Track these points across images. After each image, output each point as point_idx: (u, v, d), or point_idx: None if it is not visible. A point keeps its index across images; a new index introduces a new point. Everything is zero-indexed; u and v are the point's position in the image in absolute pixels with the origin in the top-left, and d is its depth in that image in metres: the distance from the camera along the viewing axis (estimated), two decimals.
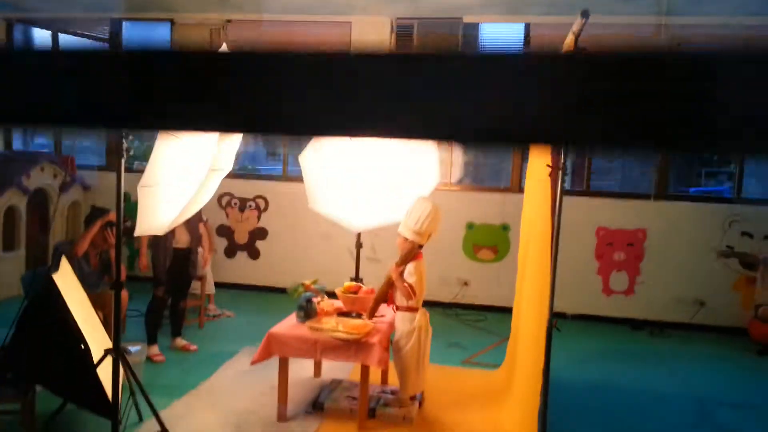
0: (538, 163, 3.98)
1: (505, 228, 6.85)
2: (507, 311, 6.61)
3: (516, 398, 3.80)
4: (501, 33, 7.66)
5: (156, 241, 4.58)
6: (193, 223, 4.84)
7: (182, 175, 2.86)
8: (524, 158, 6.85)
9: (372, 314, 3.86)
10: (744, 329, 6.25)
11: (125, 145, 2.84)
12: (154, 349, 4.70)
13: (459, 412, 3.95)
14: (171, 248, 4.66)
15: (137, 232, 3.06)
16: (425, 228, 3.71)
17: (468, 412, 3.95)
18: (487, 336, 5.86)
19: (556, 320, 2.70)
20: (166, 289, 4.72)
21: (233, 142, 2.86)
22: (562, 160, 2.63)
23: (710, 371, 5.18)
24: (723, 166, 10.16)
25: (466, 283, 6.91)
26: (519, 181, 6.90)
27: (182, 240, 4.78)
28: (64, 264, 3.34)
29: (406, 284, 3.70)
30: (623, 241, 6.63)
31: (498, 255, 6.89)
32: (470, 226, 6.90)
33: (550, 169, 2.74)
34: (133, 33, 7.75)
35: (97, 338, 3.35)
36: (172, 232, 4.66)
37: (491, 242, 6.87)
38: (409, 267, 3.74)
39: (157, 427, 3.01)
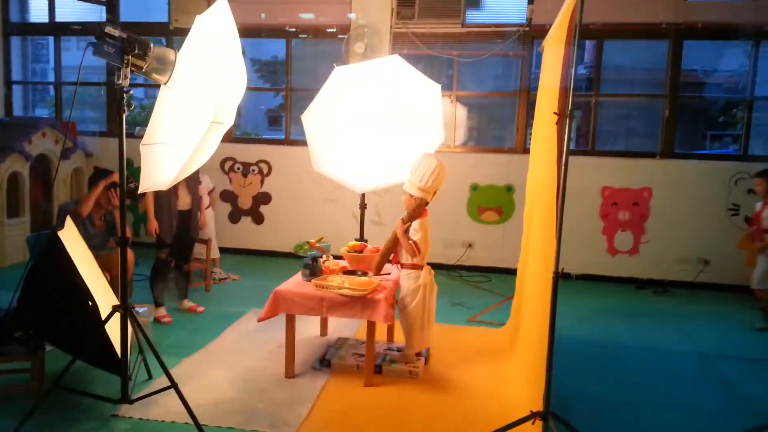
0: (543, 119, 3.93)
1: (509, 189, 6.82)
2: (511, 272, 6.61)
3: (522, 355, 3.82)
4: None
5: (160, 203, 4.56)
6: (193, 184, 4.84)
7: (183, 128, 2.82)
8: (529, 118, 6.79)
9: (378, 270, 3.86)
10: (747, 287, 6.25)
11: (125, 99, 2.80)
12: (161, 311, 4.73)
13: (465, 368, 3.98)
14: (176, 210, 4.65)
15: (141, 189, 3.03)
16: (431, 184, 3.69)
17: (473, 369, 3.98)
18: (491, 296, 5.89)
19: (563, 269, 2.68)
20: (170, 252, 4.73)
21: (236, 94, 2.81)
22: (569, 107, 2.58)
23: (714, 328, 5.20)
24: (728, 128, 10.04)
25: (470, 245, 6.92)
26: (524, 142, 6.84)
27: (184, 201, 4.77)
28: (69, 223, 3.33)
29: (411, 241, 3.70)
30: (628, 201, 6.61)
31: (502, 216, 6.87)
32: (474, 188, 6.87)
33: (557, 117, 2.69)
34: None
35: (104, 297, 3.37)
36: (176, 194, 4.65)
37: (496, 203, 6.85)
38: (414, 224, 3.72)
39: (167, 384, 3.03)
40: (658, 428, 3.28)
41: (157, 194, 4.54)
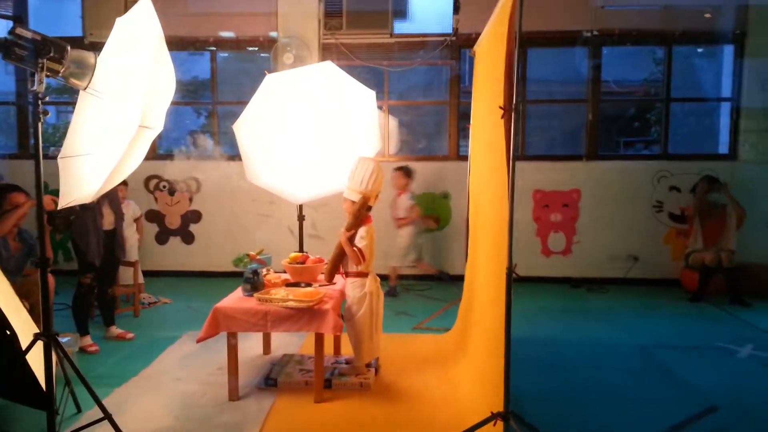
0: (483, 121, 3.95)
1: (445, 196, 6.85)
2: (452, 278, 6.67)
3: (474, 357, 3.77)
4: (429, 4, 7.63)
5: (85, 224, 4.24)
6: (116, 201, 4.55)
7: (108, 135, 2.61)
8: (460, 125, 6.86)
9: (331, 278, 3.73)
10: (675, 280, 6.54)
11: (41, 107, 2.56)
12: (87, 340, 4.38)
13: (415, 375, 3.90)
14: (102, 230, 4.35)
15: (61, 204, 2.78)
16: (371, 187, 3.60)
17: (424, 375, 3.90)
18: (434, 303, 5.85)
19: (516, 264, 2.66)
20: (94, 276, 4.39)
21: (164, 96, 2.63)
22: (514, 101, 2.57)
23: (648, 320, 5.37)
24: (640, 134, 10.57)
25: None
26: (457, 149, 6.90)
27: (108, 221, 4.47)
28: None
29: (355, 248, 3.59)
30: (559, 203, 6.78)
31: (440, 224, 6.87)
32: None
33: (502, 111, 2.68)
34: (41, 9, 7.16)
35: (23, 326, 3.05)
36: (100, 213, 4.35)
37: (433, 211, 6.85)
38: (361, 231, 3.62)
39: (99, 416, 2.77)
40: (609, 420, 3.31)
41: (83, 214, 4.23)
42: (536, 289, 6.43)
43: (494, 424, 2.73)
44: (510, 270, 2.65)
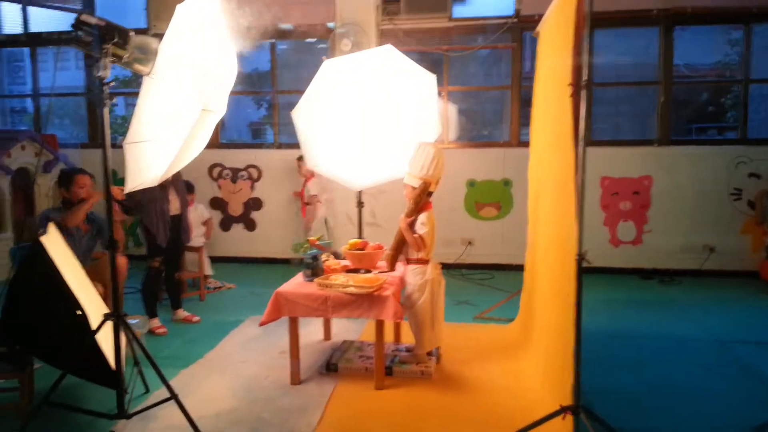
0: (546, 104, 3.79)
1: (506, 183, 6.68)
2: (513, 268, 6.49)
3: (538, 349, 3.65)
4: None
5: (152, 209, 4.36)
6: (181, 187, 4.65)
7: (172, 119, 2.64)
8: (522, 110, 6.67)
9: (392, 264, 3.67)
10: (755, 272, 6.16)
11: (106, 92, 2.61)
12: (155, 322, 4.51)
13: (478, 366, 3.80)
14: (169, 215, 4.46)
15: (128, 189, 2.84)
16: (431, 173, 3.51)
17: (487, 366, 3.80)
18: (495, 293, 5.72)
19: (587, 250, 2.52)
20: (162, 260, 4.52)
21: (226, 81, 2.63)
22: (585, 77, 2.42)
23: (725, 314, 5.07)
24: (714, 120, 9.99)
25: (470, 243, 6.76)
26: (518, 135, 6.71)
27: (174, 206, 4.57)
28: (53, 229, 3.12)
29: (416, 235, 3.51)
30: (629, 190, 6.49)
31: (501, 212, 6.72)
32: (471, 184, 6.72)
33: (571, 90, 2.54)
34: (107, 2, 7.40)
35: (94, 307, 3.15)
36: (167, 199, 4.46)
37: (494, 199, 6.70)
38: (421, 217, 3.54)
39: (166, 396, 2.82)
40: (685, 417, 3.12)
41: (150, 200, 4.35)
42: (604, 280, 6.18)
43: (563, 418, 2.61)
44: (581, 257, 2.52)
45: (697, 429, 2.98)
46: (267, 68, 8.24)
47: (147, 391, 3.34)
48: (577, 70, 2.56)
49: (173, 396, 2.78)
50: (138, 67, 2.63)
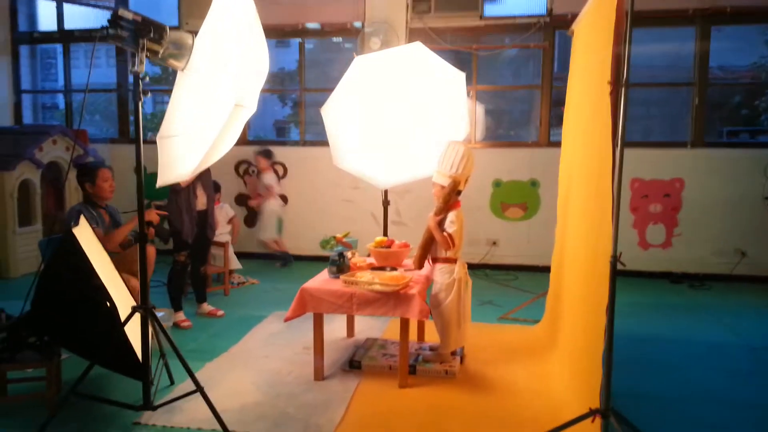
0: (580, 104, 3.73)
1: (534, 184, 6.60)
2: (538, 270, 6.42)
3: (566, 351, 3.59)
4: None
5: (179, 204, 4.40)
6: (208, 183, 4.68)
7: (204, 114, 2.64)
8: (553, 110, 6.59)
9: (421, 264, 3.63)
10: None
11: (141, 87, 2.63)
12: (180, 315, 4.55)
13: (502, 366, 3.76)
14: (195, 210, 4.49)
15: (160, 183, 2.85)
16: (461, 171, 3.48)
17: (512, 367, 3.75)
18: (520, 294, 5.66)
19: (621, 253, 2.47)
20: (188, 254, 4.56)
21: (258, 77, 2.63)
22: (625, 75, 2.37)
23: (758, 320, 4.94)
24: (747, 123, 9.75)
25: (494, 243, 6.69)
26: (547, 135, 6.62)
27: (201, 201, 4.60)
28: (83, 222, 3.15)
29: (445, 234, 3.48)
30: (659, 192, 6.36)
31: (527, 212, 6.64)
32: (497, 184, 6.66)
33: (610, 88, 2.49)
34: (140, 0, 7.50)
35: (122, 299, 3.18)
36: (194, 194, 4.49)
37: (520, 199, 6.62)
38: (450, 216, 3.51)
39: (191, 388, 2.83)
40: (716, 424, 3.04)
41: (177, 195, 4.39)
42: (632, 283, 6.07)
43: (592, 421, 2.56)
44: (615, 259, 2.46)
45: None
46: (293, 67, 8.29)
47: (172, 383, 3.37)
48: (616, 69, 2.51)
49: (199, 389, 2.79)
50: (173, 62, 2.64)
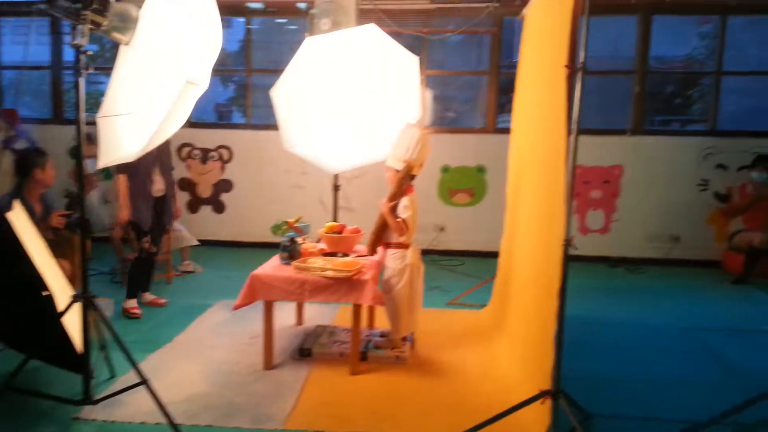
0: (532, 89, 3.76)
1: (480, 170, 6.67)
2: (484, 255, 6.52)
3: (513, 335, 3.65)
4: None
5: (135, 189, 4.21)
6: (167, 168, 4.50)
7: (152, 92, 2.51)
8: (501, 96, 6.66)
9: (374, 249, 3.60)
10: (718, 261, 6.31)
11: (84, 61, 2.46)
12: (131, 303, 4.36)
13: (452, 351, 3.79)
14: (152, 196, 4.31)
15: (100, 164, 2.70)
16: (417, 156, 3.46)
17: (461, 351, 3.79)
18: (467, 279, 5.73)
19: (573, 237, 2.52)
20: (151, 239, 4.39)
21: (211, 52, 2.51)
22: (582, 59, 2.39)
23: (691, 302, 5.17)
24: (678, 113, 10.16)
25: (442, 229, 6.74)
26: (494, 121, 6.69)
27: (158, 187, 4.42)
28: (18, 207, 2.95)
29: (399, 219, 3.45)
30: (599, 179, 6.56)
31: (474, 198, 6.72)
32: (445, 170, 6.69)
33: (567, 72, 2.51)
34: None
35: (60, 288, 3.01)
36: (150, 179, 4.32)
37: (467, 185, 6.69)
38: (404, 201, 3.48)
39: (134, 380, 2.71)
40: (659, 403, 3.17)
41: (133, 180, 4.19)
42: (572, 267, 6.16)
43: (542, 402, 2.61)
44: (567, 242, 2.51)
45: (670, 415, 3.01)
46: (233, 47, 8.05)
47: (113, 376, 3.22)
48: (573, 53, 2.53)
49: (144, 381, 2.68)
50: (117, 35, 2.49)
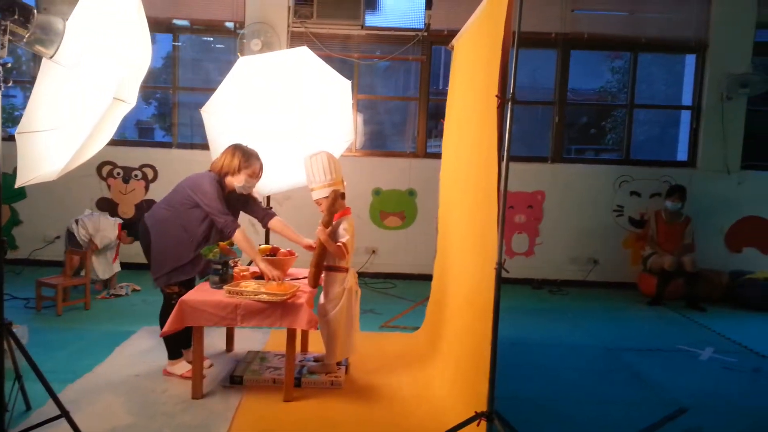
0: (462, 116, 3.88)
1: (411, 193, 6.77)
2: (415, 277, 6.60)
3: (447, 357, 3.69)
4: None
5: None
6: None
7: (76, 108, 2.40)
8: (430, 122, 6.82)
9: (316, 282, 3.49)
10: (633, 283, 6.67)
11: (1, 74, 2.32)
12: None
13: (387, 374, 3.79)
14: None
15: (19, 183, 2.55)
16: (335, 175, 3.44)
17: (396, 374, 3.80)
18: (399, 301, 5.76)
19: (505, 260, 2.60)
20: None
21: (139, 69, 2.43)
22: (512, 90, 2.50)
23: (610, 323, 5.42)
24: (592, 142, 10.77)
25: (374, 251, 6.77)
26: (425, 146, 6.83)
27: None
28: None
29: (339, 243, 3.42)
30: (523, 204, 6.80)
31: (405, 221, 6.80)
32: (377, 192, 6.74)
33: (497, 102, 2.60)
34: None
35: None
36: None
37: (398, 208, 6.77)
38: (343, 224, 3.45)
39: (53, 413, 2.54)
40: (586, 422, 3.28)
41: None
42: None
43: (477, 424, 2.65)
44: (500, 266, 2.59)
45: None
46: (159, 64, 7.83)
47: (29, 408, 3.00)
48: (503, 84, 2.63)
49: (64, 413, 2.51)
50: (40, 48, 2.37)
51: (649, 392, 3.75)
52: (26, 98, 9.11)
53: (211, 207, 3.45)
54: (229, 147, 3.63)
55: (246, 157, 3.59)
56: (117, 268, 5.67)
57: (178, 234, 3.52)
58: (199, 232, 3.53)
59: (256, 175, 3.65)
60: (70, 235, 5.29)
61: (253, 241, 3.62)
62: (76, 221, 5.33)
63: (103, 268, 5.50)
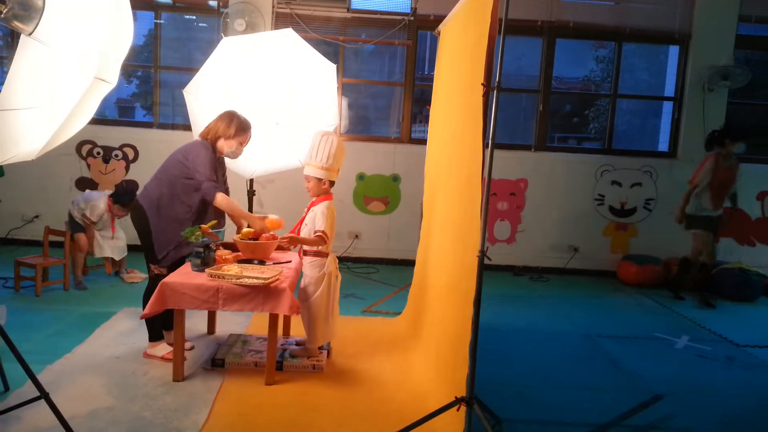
0: (448, 102, 3.87)
1: (395, 179, 6.77)
2: (398, 263, 6.63)
3: (428, 342, 3.73)
4: None
5: None
6: None
7: (56, 86, 2.35)
8: (415, 107, 6.80)
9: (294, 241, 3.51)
10: (612, 272, 6.76)
11: None
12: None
13: (368, 359, 3.82)
14: None
15: None
16: (335, 163, 3.45)
17: (377, 359, 3.82)
18: (381, 286, 5.78)
19: (488, 247, 2.62)
20: None
21: (121, 48, 2.38)
22: (498, 78, 2.50)
23: (589, 310, 5.50)
24: (574, 131, 10.84)
25: (357, 236, 6.77)
26: (409, 131, 6.82)
27: None
28: None
29: (318, 232, 3.42)
30: (506, 191, 6.84)
31: (389, 207, 6.80)
32: (361, 177, 6.73)
33: (483, 89, 2.60)
34: None
35: None
36: None
37: (382, 193, 6.76)
38: (322, 208, 3.46)
39: (32, 394, 2.52)
40: (564, 408, 3.33)
41: None
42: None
43: (457, 409, 2.68)
44: (483, 253, 2.60)
45: (574, 418, 3.19)
46: (140, 42, 7.70)
47: (6, 389, 2.98)
48: (489, 73, 2.63)
49: (43, 395, 2.49)
50: (18, 24, 2.31)
51: (626, 379, 3.82)
52: (4, 74, 8.93)
53: (200, 171, 3.50)
54: (226, 112, 3.71)
55: (242, 125, 3.70)
56: (125, 252, 5.54)
57: (177, 208, 3.56)
58: (196, 201, 3.58)
59: (246, 143, 3.77)
60: (71, 219, 5.21)
61: (235, 201, 3.68)
62: (72, 203, 5.26)
63: (111, 248, 5.39)
